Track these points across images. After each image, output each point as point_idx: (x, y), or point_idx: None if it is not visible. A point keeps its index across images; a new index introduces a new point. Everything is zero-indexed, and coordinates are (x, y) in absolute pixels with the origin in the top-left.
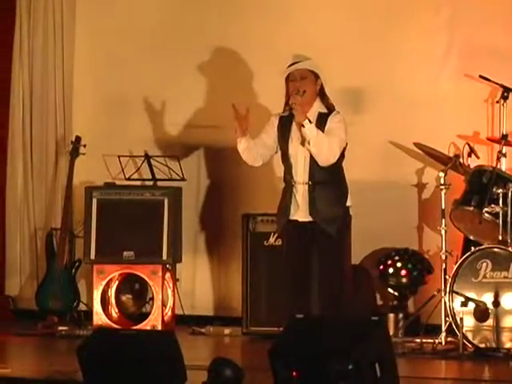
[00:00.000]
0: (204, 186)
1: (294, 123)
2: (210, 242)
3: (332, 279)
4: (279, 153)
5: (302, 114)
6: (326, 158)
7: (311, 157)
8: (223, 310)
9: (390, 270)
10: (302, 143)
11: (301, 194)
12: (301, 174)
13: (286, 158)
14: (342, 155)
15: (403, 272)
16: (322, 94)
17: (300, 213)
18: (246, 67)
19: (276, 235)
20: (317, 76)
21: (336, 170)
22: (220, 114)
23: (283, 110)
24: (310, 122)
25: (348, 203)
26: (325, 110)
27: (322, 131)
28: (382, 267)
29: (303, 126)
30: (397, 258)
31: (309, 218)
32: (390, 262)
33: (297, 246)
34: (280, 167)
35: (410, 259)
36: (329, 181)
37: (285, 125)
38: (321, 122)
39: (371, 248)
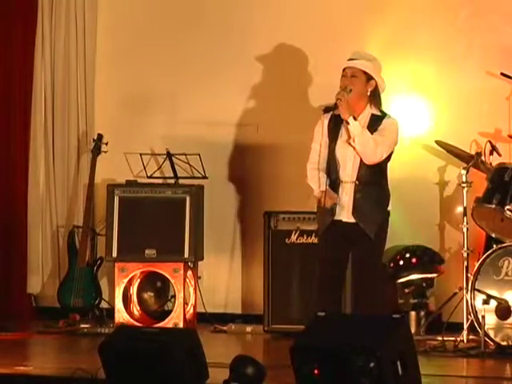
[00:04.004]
0: (226, 183)
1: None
2: (232, 240)
3: (366, 281)
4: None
5: (347, 111)
6: (371, 157)
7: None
8: (245, 307)
9: (401, 262)
10: (348, 141)
11: (347, 193)
12: (348, 173)
13: (332, 157)
14: (388, 158)
15: (414, 260)
16: (374, 97)
17: (345, 213)
18: (273, 65)
19: (297, 233)
20: (370, 77)
21: (382, 172)
22: (243, 112)
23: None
24: (354, 119)
25: (389, 207)
26: (378, 113)
27: (375, 131)
28: (392, 264)
29: (348, 123)
30: (404, 251)
31: (352, 219)
32: (398, 256)
33: (337, 247)
34: (302, 165)
35: (418, 249)
36: (375, 182)
37: (336, 123)
38: (374, 123)
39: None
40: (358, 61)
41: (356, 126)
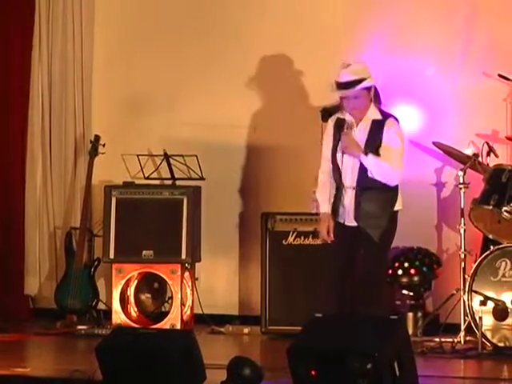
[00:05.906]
0: (223, 185)
1: (344, 128)
2: (230, 241)
3: (370, 282)
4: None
5: (356, 148)
6: (393, 181)
7: (360, 162)
8: (242, 308)
9: (400, 272)
10: (343, 151)
11: (349, 197)
12: (349, 178)
13: (335, 161)
14: None
15: (412, 271)
16: (375, 98)
17: (347, 216)
18: (271, 66)
19: (295, 234)
20: (369, 88)
21: None
22: (241, 113)
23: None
24: (365, 154)
25: (397, 207)
26: (379, 117)
27: (378, 139)
28: (390, 271)
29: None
30: (402, 258)
31: (355, 223)
32: (397, 264)
33: (340, 248)
34: (299, 166)
35: (416, 257)
36: (376, 186)
37: (338, 129)
38: (376, 129)
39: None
40: (356, 83)
41: (368, 161)
